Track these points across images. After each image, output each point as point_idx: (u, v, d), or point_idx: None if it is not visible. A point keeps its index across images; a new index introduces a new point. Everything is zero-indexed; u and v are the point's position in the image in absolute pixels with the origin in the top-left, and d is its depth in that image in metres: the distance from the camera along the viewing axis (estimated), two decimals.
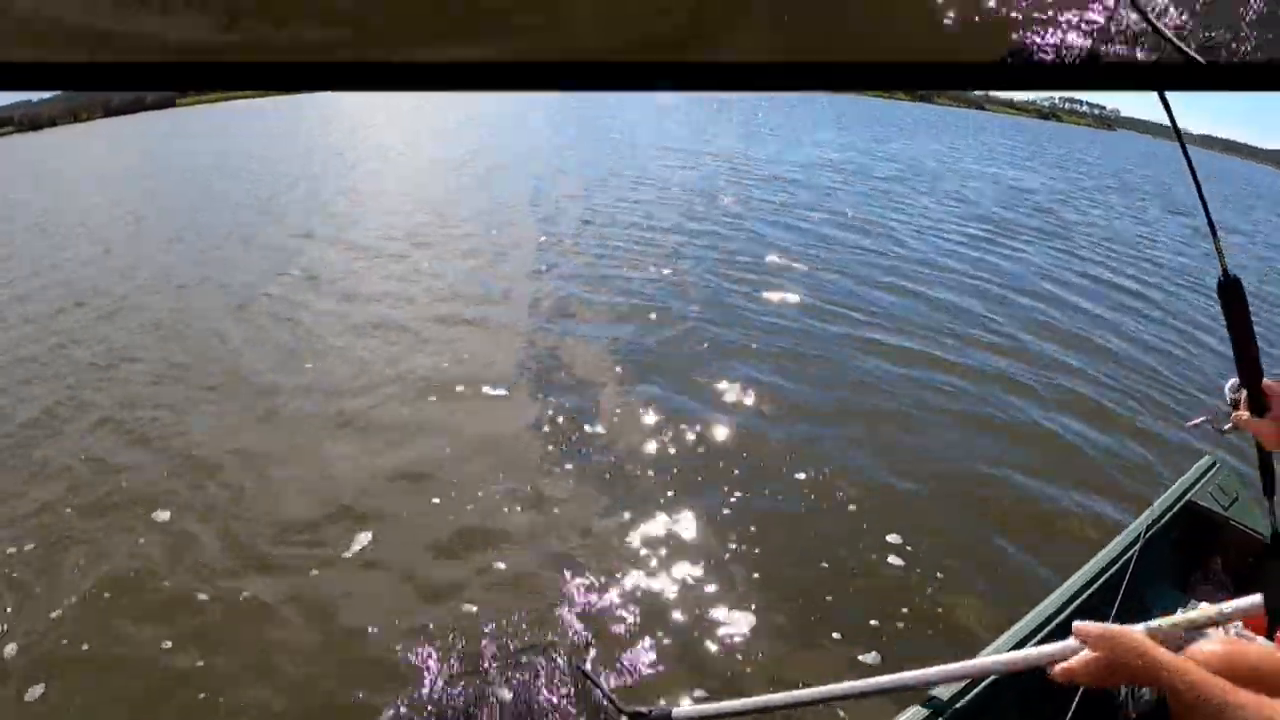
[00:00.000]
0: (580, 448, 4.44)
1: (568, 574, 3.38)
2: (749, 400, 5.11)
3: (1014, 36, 0.98)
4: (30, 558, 3.48)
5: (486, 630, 3.02)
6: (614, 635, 3.03)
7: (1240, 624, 1.48)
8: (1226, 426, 1.55)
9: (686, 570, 3.43)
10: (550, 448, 4.44)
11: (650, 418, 4.79)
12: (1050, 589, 2.01)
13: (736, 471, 4.21)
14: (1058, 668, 1.27)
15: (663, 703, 2.56)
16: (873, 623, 3.12)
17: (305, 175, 15.25)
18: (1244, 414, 1.51)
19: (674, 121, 29.29)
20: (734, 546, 3.59)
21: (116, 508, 3.88)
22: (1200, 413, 1.91)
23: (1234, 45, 0.97)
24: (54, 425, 4.77)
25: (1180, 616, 1.31)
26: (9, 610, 3.16)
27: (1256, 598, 1.31)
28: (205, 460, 4.32)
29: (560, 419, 4.75)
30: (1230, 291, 1.49)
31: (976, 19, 1.00)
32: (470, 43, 0.90)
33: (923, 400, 5.21)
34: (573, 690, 2.72)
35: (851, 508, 3.91)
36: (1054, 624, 1.88)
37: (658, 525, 3.74)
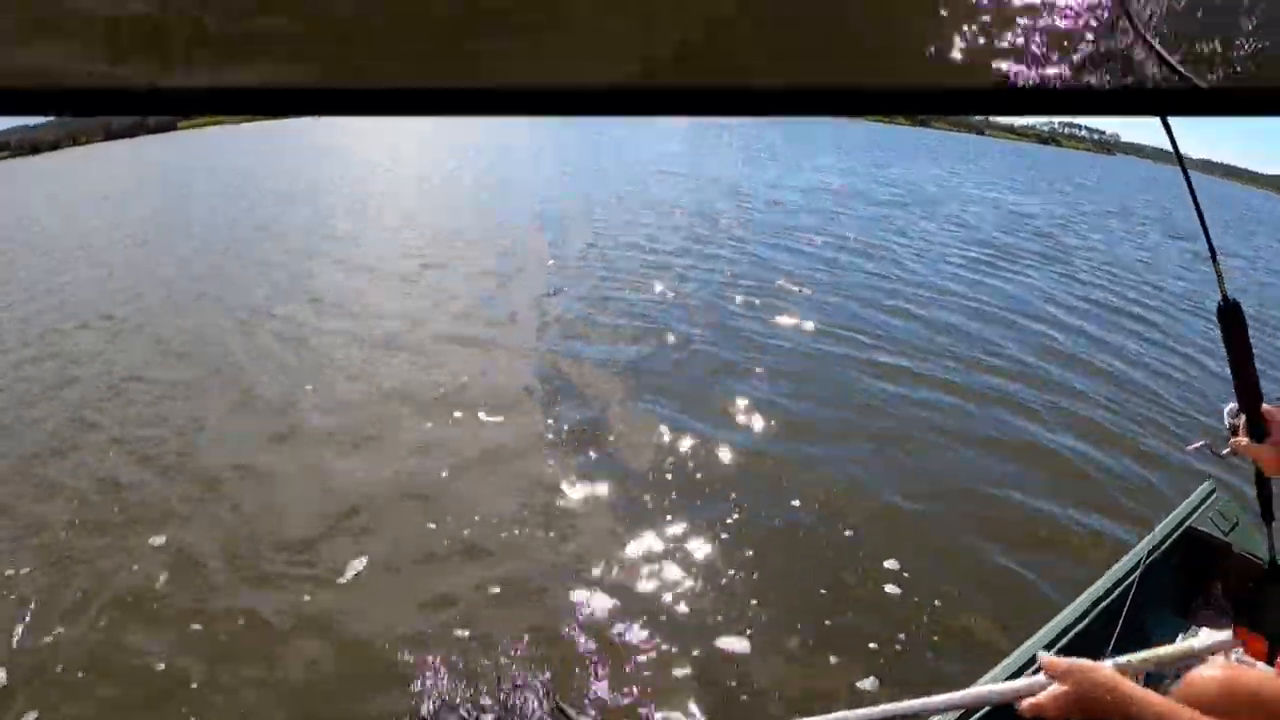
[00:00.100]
0: (583, 467, 4.51)
1: (564, 593, 3.42)
2: (752, 421, 5.19)
3: (1014, 62, 0.99)
4: (34, 577, 3.53)
5: (482, 651, 3.05)
6: (607, 657, 3.06)
7: (1241, 650, 1.52)
8: (1225, 451, 1.54)
9: (684, 591, 3.47)
10: (552, 467, 4.51)
11: (653, 438, 4.86)
12: (1055, 609, 2.07)
13: (737, 493, 4.27)
14: (1025, 703, 1.28)
15: None
16: (871, 645, 3.14)
17: (308, 196, 15.42)
18: (1243, 439, 1.51)
19: (675, 145, 29.66)
20: (733, 569, 3.63)
21: (120, 525, 3.94)
22: (1201, 436, 1.92)
23: (1236, 70, 0.97)
24: (59, 445, 4.84)
25: (1149, 653, 1.34)
26: (13, 626, 3.20)
27: (1226, 633, 1.36)
28: (209, 477, 4.39)
29: (564, 438, 4.82)
30: (1230, 315, 1.50)
31: (979, 44, 1.00)
32: (470, 71, 0.92)
33: (925, 420, 5.29)
34: None
35: (850, 531, 3.96)
36: (1053, 651, 1.89)
37: (658, 545, 3.79)
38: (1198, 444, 1.82)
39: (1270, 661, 1.52)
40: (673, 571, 3.59)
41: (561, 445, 4.75)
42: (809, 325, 7.33)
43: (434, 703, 2.79)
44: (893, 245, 11.88)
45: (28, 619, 3.24)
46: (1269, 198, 58.44)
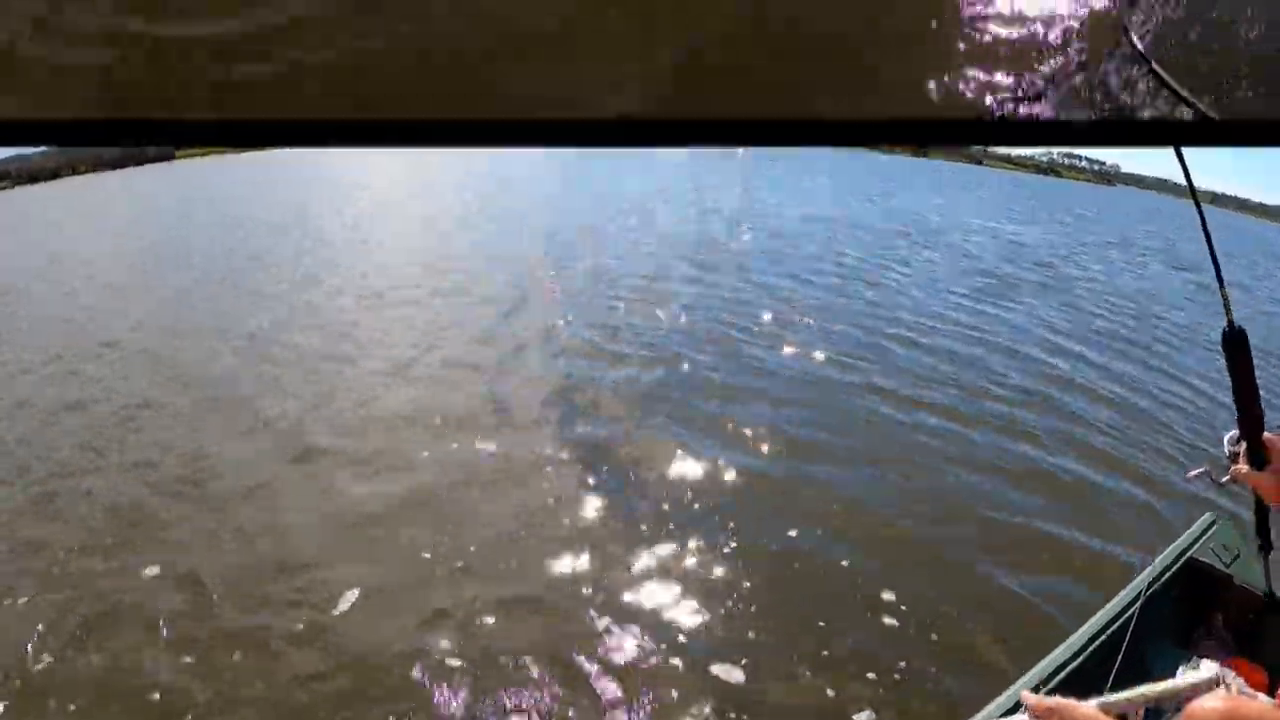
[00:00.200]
0: (587, 490, 4.67)
1: (566, 614, 3.55)
2: (754, 444, 5.36)
3: (1014, 93, 1.00)
4: (41, 600, 3.65)
5: (482, 671, 3.19)
6: (603, 681, 3.15)
7: (1243, 681, 1.56)
8: (1224, 479, 1.54)
9: (683, 615, 3.57)
10: (557, 489, 4.67)
11: (656, 462, 5.03)
12: (1060, 632, 2.16)
13: (738, 515, 4.42)
14: None
15: None
16: (870, 675, 3.21)
17: (309, 225, 15.63)
18: (1243, 467, 1.50)
19: (676, 175, 30.04)
20: (732, 594, 3.73)
21: (126, 549, 4.07)
22: (1202, 464, 1.95)
23: (1245, 101, 0.98)
24: (68, 470, 4.97)
25: (1133, 691, 1.38)
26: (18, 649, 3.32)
27: (1212, 670, 1.43)
28: (216, 501, 4.54)
29: (569, 461, 4.99)
30: (1235, 343, 1.50)
31: (979, 75, 1.02)
32: (484, 104, 0.97)
33: (926, 445, 5.47)
34: None
35: (852, 555, 4.07)
36: (1055, 682, 1.99)
37: (658, 568, 3.92)
38: (1197, 471, 1.85)
39: (1271, 693, 1.54)
40: (672, 596, 3.70)
41: (567, 468, 4.91)
42: (812, 352, 7.54)
43: None
44: (895, 274, 12.17)
45: (34, 641, 3.35)
46: (1273, 228, 58.91)
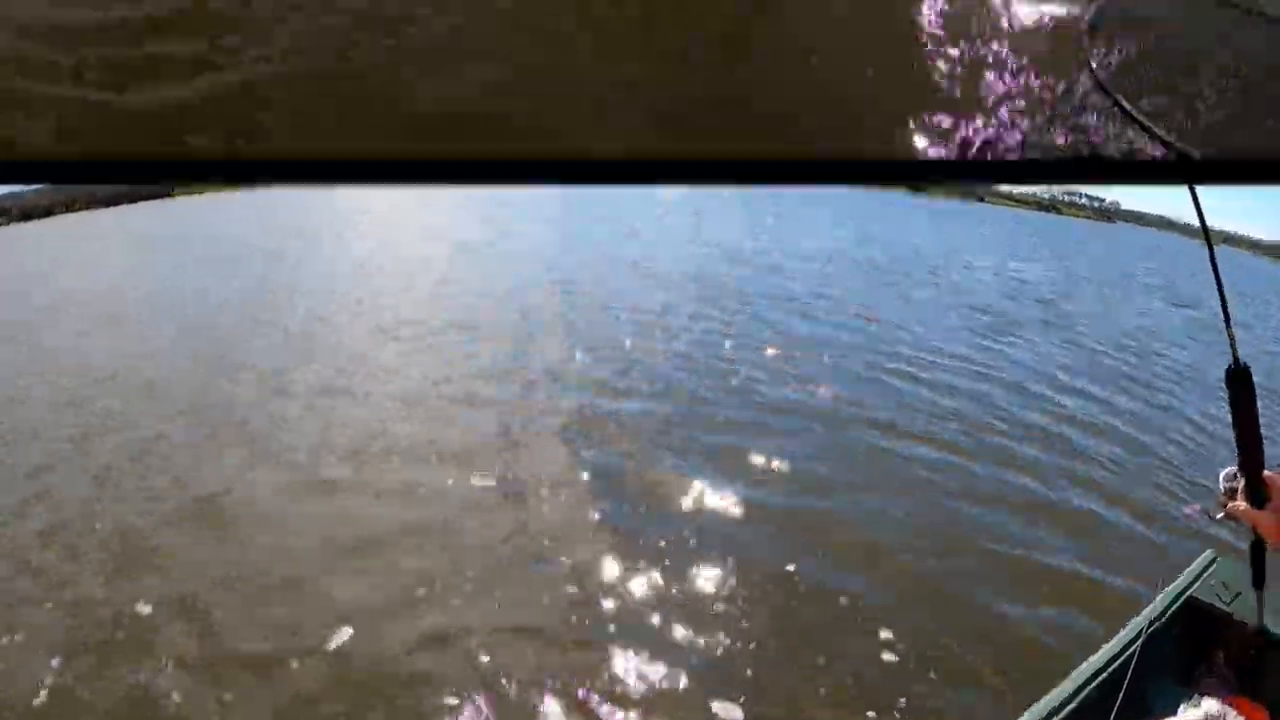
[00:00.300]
0: (592, 521, 4.81)
1: (565, 646, 3.65)
2: (757, 477, 5.51)
3: (986, 131, 1.01)
4: (56, 628, 3.75)
5: (481, 697, 3.29)
6: (600, 713, 3.23)
7: (1244, 719, 1.64)
8: (1219, 515, 1.54)
9: (681, 650, 3.65)
10: (558, 521, 4.80)
11: (660, 494, 5.18)
12: (1065, 663, 2.23)
13: (739, 548, 4.55)
14: None
15: None
16: (870, 714, 3.27)
17: (314, 261, 15.83)
18: (1241, 504, 1.49)
19: (677, 205, 30.45)
20: (731, 631, 3.79)
21: (136, 574, 4.20)
22: (1198, 500, 2.03)
23: (1228, 141, 0.99)
24: (82, 499, 5.09)
25: None
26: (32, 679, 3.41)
27: (1214, 708, 1.51)
28: (226, 527, 4.68)
29: (575, 493, 5.15)
30: (1239, 379, 1.50)
31: (947, 115, 1.03)
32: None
33: (928, 479, 5.62)
34: None
35: (847, 594, 4.14)
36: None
37: (658, 601, 4.03)
38: (1193, 508, 1.93)
39: None
40: (671, 629, 3.79)
41: (571, 498, 5.07)
42: (812, 386, 7.73)
43: None
44: (895, 309, 12.44)
45: (39, 667, 3.45)
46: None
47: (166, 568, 4.28)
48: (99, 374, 7.94)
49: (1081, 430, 7.07)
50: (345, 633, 3.69)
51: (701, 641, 3.70)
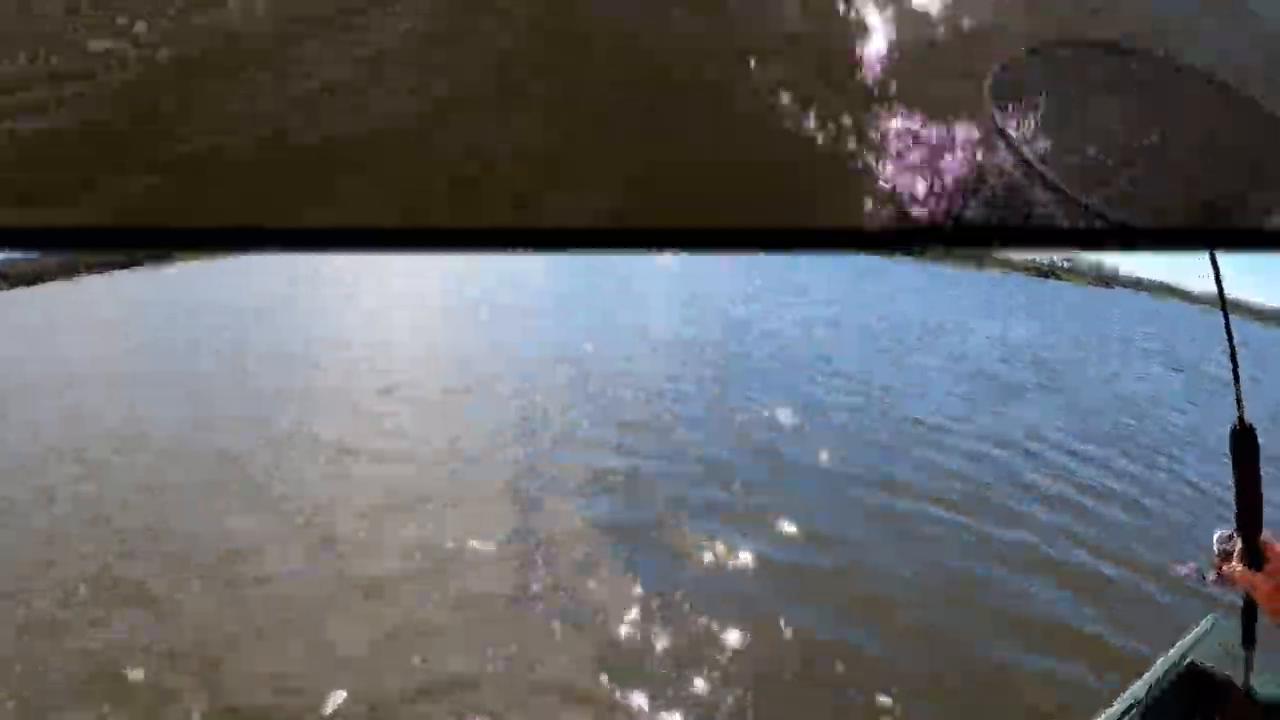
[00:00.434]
0: (594, 575, 4.99)
1: (567, 700, 3.79)
2: (766, 535, 5.74)
3: (953, 203, 1.10)
4: (50, 674, 3.88)
5: None
6: None
7: None
8: (1211, 577, 1.52)
9: (683, 707, 3.77)
10: (566, 575, 5.00)
11: (669, 549, 5.40)
12: (1066, 719, 2.27)
13: (746, 606, 4.72)
14: None
15: None
16: None
17: (311, 326, 16.04)
18: (1237, 566, 1.47)
19: (672, 283, 30.89)
20: (737, 687, 3.92)
21: (130, 619, 4.37)
22: (1192, 561, 1.99)
23: (1160, 210, 1.05)
24: (91, 554, 5.20)
25: None
26: None
27: None
28: (231, 583, 4.82)
29: (581, 546, 5.34)
30: (1244, 439, 1.51)
31: (886, 187, 1.13)
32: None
33: (932, 536, 5.89)
34: None
35: (852, 650, 4.30)
36: None
37: (664, 655, 4.19)
38: (1188, 566, 1.90)
39: None
40: (674, 686, 3.93)
41: (579, 553, 5.30)
42: (818, 449, 8.02)
43: None
44: (897, 375, 12.80)
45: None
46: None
47: (164, 611, 4.43)
48: (105, 434, 8.05)
49: (1085, 493, 7.36)
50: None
51: (708, 692, 3.85)
